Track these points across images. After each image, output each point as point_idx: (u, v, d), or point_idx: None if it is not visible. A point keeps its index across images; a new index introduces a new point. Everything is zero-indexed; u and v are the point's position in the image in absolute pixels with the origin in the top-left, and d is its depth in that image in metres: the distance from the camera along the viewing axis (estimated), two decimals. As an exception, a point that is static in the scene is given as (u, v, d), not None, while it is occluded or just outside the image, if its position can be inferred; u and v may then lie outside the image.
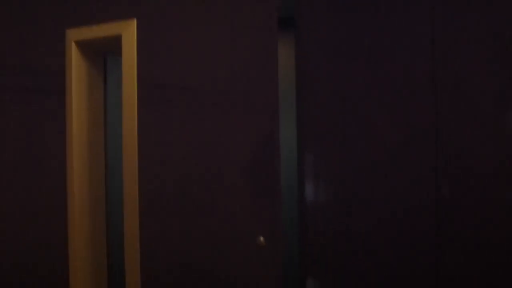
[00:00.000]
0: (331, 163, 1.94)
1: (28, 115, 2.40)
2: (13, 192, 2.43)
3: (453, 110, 1.78)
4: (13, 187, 2.43)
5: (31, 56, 2.40)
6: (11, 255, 2.44)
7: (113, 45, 2.26)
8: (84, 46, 2.33)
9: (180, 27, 2.09)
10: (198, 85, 2.05)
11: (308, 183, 1.97)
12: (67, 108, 2.31)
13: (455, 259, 1.78)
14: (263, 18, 1.91)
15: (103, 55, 2.52)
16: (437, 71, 1.80)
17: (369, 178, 1.89)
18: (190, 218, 2.05)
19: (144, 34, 2.13)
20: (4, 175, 2.43)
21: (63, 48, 2.32)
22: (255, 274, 1.89)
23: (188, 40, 2.07)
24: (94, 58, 2.43)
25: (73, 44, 2.29)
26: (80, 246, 2.32)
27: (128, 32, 2.13)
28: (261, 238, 1.86)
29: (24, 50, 2.41)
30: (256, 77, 1.92)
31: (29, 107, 2.40)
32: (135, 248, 2.11)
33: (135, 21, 2.14)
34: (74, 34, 2.27)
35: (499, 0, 1.72)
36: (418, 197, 1.82)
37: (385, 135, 1.87)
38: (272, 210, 1.87)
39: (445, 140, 1.79)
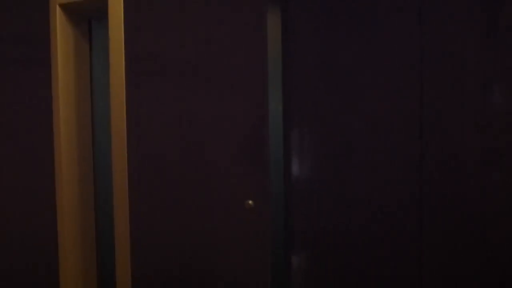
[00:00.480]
0: (316, 139, 1.96)
1: (11, 85, 2.36)
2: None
3: (438, 98, 1.79)
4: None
5: (13, 22, 2.34)
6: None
7: (99, 8, 2.22)
8: (69, 10, 2.28)
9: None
10: (187, 56, 2.02)
11: (294, 158, 1.99)
12: (53, 76, 2.27)
13: (438, 250, 1.82)
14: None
15: (88, 19, 2.47)
16: (425, 54, 1.80)
17: (353, 155, 1.90)
18: (182, 187, 2.07)
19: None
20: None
21: (47, 13, 2.27)
22: (245, 235, 1.95)
23: (176, 8, 2.04)
24: (79, 22, 2.38)
25: (57, 7, 2.24)
26: (68, 220, 2.34)
27: (115, -5, 2.10)
28: (250, 201, 1.91)
29: (4, 16, 2.35)
30: (246, 50, 1.91)
31: (13, 76, 2.36)
32: (124, 209, 2.15)
33: (121, -16, 2.09)
34: (59, -3, 2.23)
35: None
36: (403, 183, 1.85)
37: (371, 113, 1.88)
38: (261, 176, 1.91)
39: (430, 128, 1.80)
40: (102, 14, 2.29)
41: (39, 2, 2.27)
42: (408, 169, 1.84)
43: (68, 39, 2.31)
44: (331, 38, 1.92)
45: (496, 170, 1.74)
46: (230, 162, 1.97)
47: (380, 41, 1.86)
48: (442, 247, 1.82)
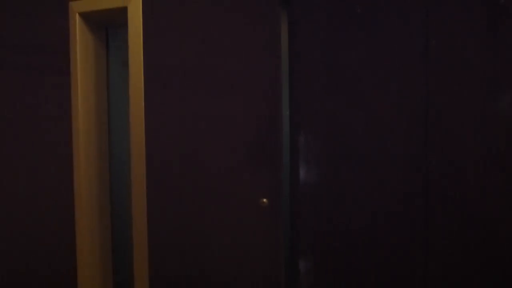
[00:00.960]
0: (322, 143, 1.99)
1: (32, 92, 2.44)
2: (17, 169, 2.49)
3: (444, 98, 1.82)
4: (19, 165, 2.48)
5: (34, 31, 2.42)
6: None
7: (118, 17, 2.30)
8: (89, 18, 2.37)
9: (185, 2, 2.13)
10: (204, 62, 2.08)
11: (300, 161, 2.02)
12: (73, 82, 2.34)
13: (443, 250, 1.84)
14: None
15: (105, 28, 2.55)
16: (431, 52, 1.84)
17: (360, 158, 1.94)
18: (199, 190, 2.13)
19: (150, 7, 2.16)
20: (8, 149, 2.49)
21: (67, 22, 2.34)
22: (259, 232, 2.00)
23: (192, 16, 2.10)
24: (98, 30, 2.47)
25: (77, 16, 2.32)
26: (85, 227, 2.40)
27: (134, 4, 2.19)
28: (264, 200, 1.97)
29: (25, 25, 2.43)
30: (260, 57, 1.98)
31: (33, 84, 2.43)
32: (142, 209, 2.21)
33: (140, -7, 2.17)
34: (78, 6, 2.31)
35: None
36: (407, 184, 1.88)
37: (378, 117, 1.91)
38: (274, 176, 1.97)
39: (435, 129, 1.83)
40: (119, 22, 2.38)
41: (59, 11, 2.36)
42: (414, 172, 1.86)
43: (87, 47, 2.39)
44: (337, 43, 1.96)
45: (501, 171, 1.76)
46: (244, 164, 2.02)
47: (388, 48, 1.90)
48: (448, 249, 1.84)
